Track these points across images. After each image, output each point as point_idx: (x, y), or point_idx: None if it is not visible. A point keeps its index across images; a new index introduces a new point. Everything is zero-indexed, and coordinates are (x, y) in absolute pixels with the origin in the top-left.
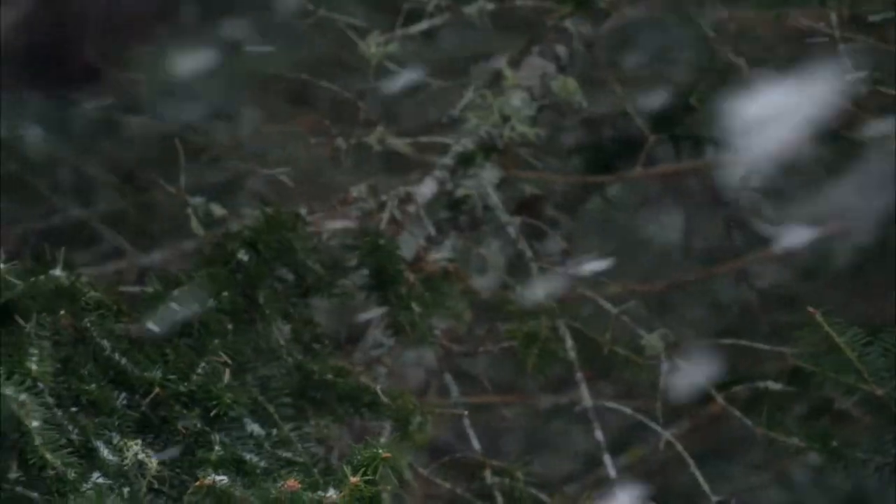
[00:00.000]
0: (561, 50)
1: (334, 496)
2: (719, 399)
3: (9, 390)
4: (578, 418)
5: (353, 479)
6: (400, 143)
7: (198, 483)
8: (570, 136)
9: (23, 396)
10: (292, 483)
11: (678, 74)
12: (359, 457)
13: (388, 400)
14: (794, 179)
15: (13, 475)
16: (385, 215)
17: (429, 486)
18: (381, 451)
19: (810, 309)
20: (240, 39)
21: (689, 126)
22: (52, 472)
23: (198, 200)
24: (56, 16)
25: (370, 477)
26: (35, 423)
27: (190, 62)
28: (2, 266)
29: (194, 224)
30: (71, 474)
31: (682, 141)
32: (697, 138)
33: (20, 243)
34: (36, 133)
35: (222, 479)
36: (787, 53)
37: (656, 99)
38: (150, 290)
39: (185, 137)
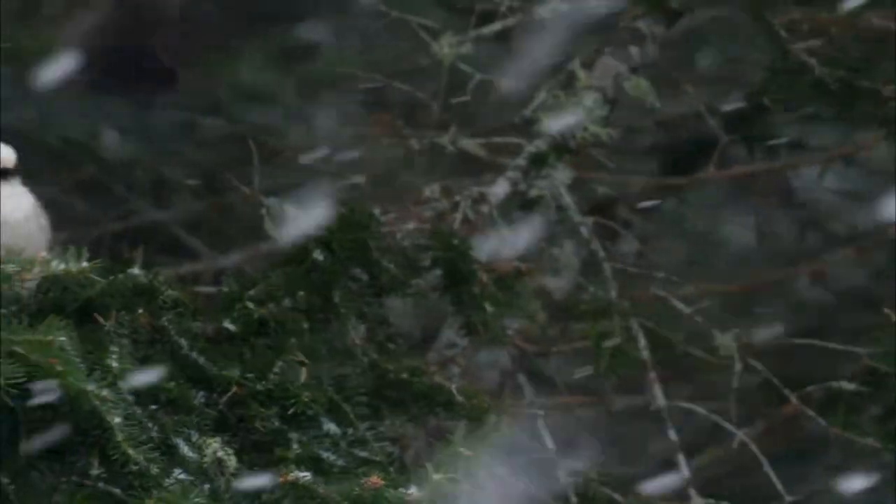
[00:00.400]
0: (634, 51)
1: (416, 493)
2: (794, 400)
3: (91, 386)
4: (652, 418)
5: (436, 476)
6: (473, 144)
7: (281, 479)
8: (643, 136)
9: (105, 392)
10: (375, 480)
11: (751, 75)
12: (440, 454)
13: (463, 399)
14: (870, 179)
15: (95, 471)
16: (458, 216)
17: (504, 486)
18: (462, 449)
19: (887, 310)
20: (315, 41)
21: (762, 127)
22: (134, 468)
23: (272, 201)
24: (134, 20)
25: (451, 475)
26: (117, 420)
27: (266, 65)
28: (84, 264)
29: (269, 225)
30: (154, 470)
31: (756, 142)
32: (771, 139)
33: (97, 245)
34: (113, 135)
35: (305, 475)
36: (860, 54)
37: (729, 99)
38: (226, 289)
39: (261, 139)
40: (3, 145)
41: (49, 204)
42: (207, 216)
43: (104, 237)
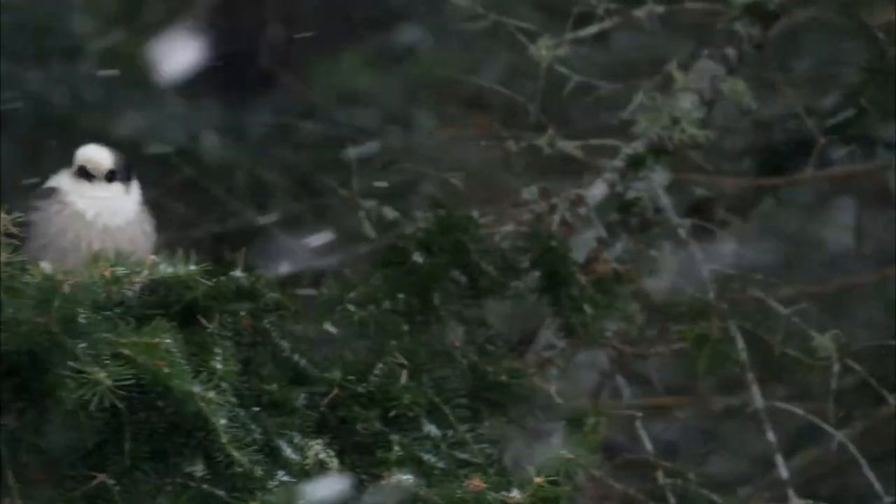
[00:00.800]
0: (730, 52)
1: (518, 496)
2: (892, 401)
3: (197, 388)
4: (750, 419)
5: (537, 480)
6: (570, 146)
7: (383, 481)
8: (740, 138)
9: (210, 394)
10: (477, 483)
11: (848, 76)
12: (542, 458)
13: (562, 401)
14: None
15: (199, 472)
16: (556, 218)
17: (602, 487)
18: (564, 452)
19: None
20: (414, 44)
21: (860, 127)
22: (238, 470)
23: (370, 204)
24: (232, 24)
25: (553, 478)
26: (222, 421)
27: (364, 67)
28: (192, 268)
29: (367, 227)
30: (258, 472)
31: (853, 142)
32: (869, 139)
33: (196, 247)
34: (213, 139)
35: (407, 477)
36: None
37: (826, 100)
38: (327, 292)
39: (359, 142)
40: (100, 148)
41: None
42: (306, 218)
43: (204, 239)
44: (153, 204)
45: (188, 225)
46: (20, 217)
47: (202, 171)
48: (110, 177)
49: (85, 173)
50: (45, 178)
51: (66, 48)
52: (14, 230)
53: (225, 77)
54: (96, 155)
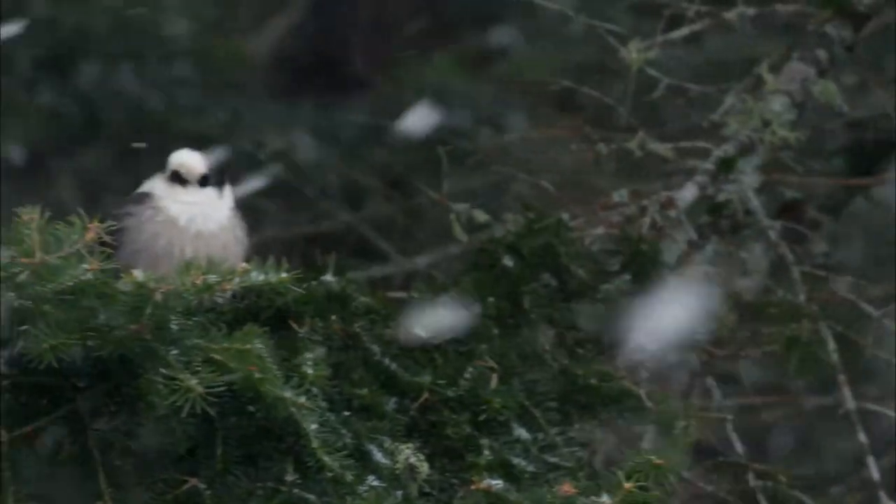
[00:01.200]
0: (821, 54)
1: (608, 501)
2: None
3: (288, 393)
4: (842, 421)
5: (627, 486)
6: (661, 148)
7: (473, 486)
8: (831, 139)
9: (301, 399)
10: (567, 488)
11: None
12: (631, 462)
13: (652, 404)
14: None
15: (290, 477)
16: (646, 220)
17: (693, 489)
18: (653, 457)
19: None
20: (506, 45)
21: None
22: (329, 475)
23: (461, 207)
24: (325, 25)
25: (643, 483)
26: (313, 426)
27: (456, 69)
28: (283, 275)
29: (457, 230)
30: (348, 477)
31: None
32: None
33: (289, 248)
34: (305, 140)
35: (497, 482)
36: None
37: None
38: (417, 295)
39: (451, 143)
40: (193, 153)
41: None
42: (398, 219)
43: (296, 240)
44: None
45: (280, 226)
46: (113, 225)
47: (295, 171)
48: (203, 181)
49: (178, 178)
50: (139, 182)
51: (160, 50)
52: (107, 238)
53: (318, 78)
54: (190, 160)
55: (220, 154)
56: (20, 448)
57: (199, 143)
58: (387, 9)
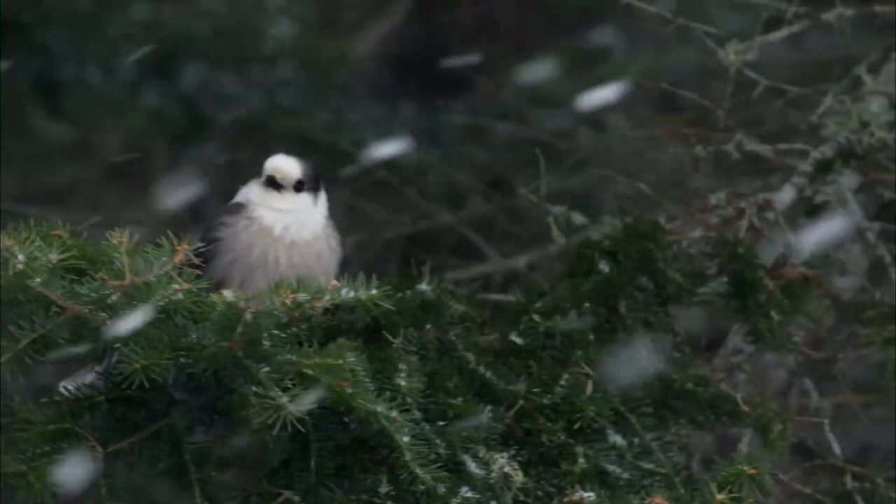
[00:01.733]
0: None
1: None
2: None
3: (380, 407)
4: None
5: (719, 497)
6: (759, 150)
7: (566, 499)
8: None
9: (393, 413)
10: (659, 500)
11: None
12: (724, 473)
13: (749, 408)
14: None
15: (384, 489)
16: (744, 223)
17: (790, 490)
18: (745, 467)
19: None
20: (608, 46)
21: None
22: (422, 487)
23: (559, 209)
24: (427, 26)
25: (735, 494)
26: (405, 439)
27: (556, 69)
28: (374, 292)
29: (555, 233)
30: (441, 489)
31: None
32: None
33: (388, 247)
34: (407, 140)
35: (590, 495)
36: None
37: None
38: (514, 300)
39: (550, 144)
40: (289, 158)
41: (342, 207)
42: (498, 219)
43: (396, 241)
44: (344, 205)
45: (381, 226)
46: (201, 247)
47: (395, 171)
48: (298, 187)
49: (273, 183)
50: (243, 183)
51: (263, 53)
52: (195, 260)
53: (420, 78)
54: (285, 165)
55: (314, 160)
56: (117, 463)
57: (301, 145)
58: (489, 9)
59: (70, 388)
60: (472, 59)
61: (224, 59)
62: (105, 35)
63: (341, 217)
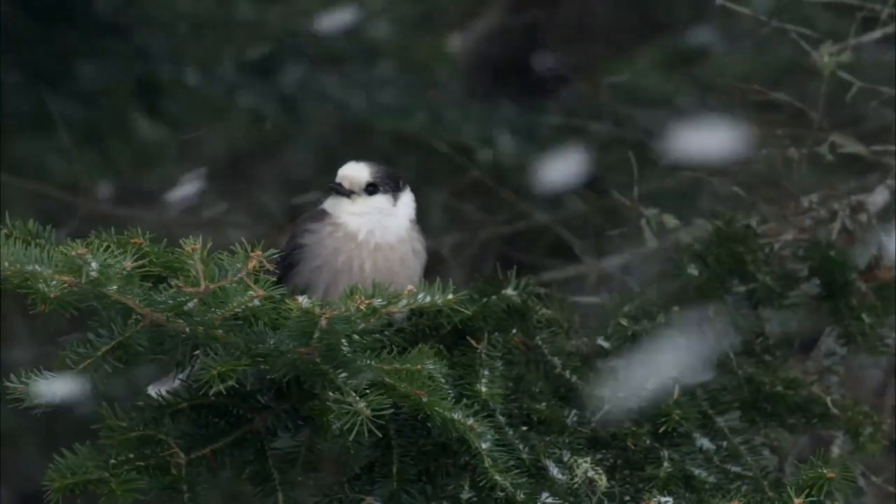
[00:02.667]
0: None
1: None
2: None
3: (458, 415)
4: None
5: (797, 501)
6: (853, 151)
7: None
8: None
9: (471, 420)
10: None
11: None
12: (804, 477)
13: (839, 411)
14: None
15: (465, 495)
16: (837, 224)
17: (883, 493)
18: (825, 471)
19: None
20: (706, 46)
21: None
22: (501, 494)
23: (651, 212)
24: (525, 26)
25: (815, 498)
26: (485, 446)
27: (655, 68)
28: (450, 296)
29: (647, 235)
30: (520, 496)
31: None
32: None
33: (484, 248)
34: (505, 139)
35: (667, 500)
36: None
37: None
38: (603, 303)
39: (645, 145)
40: (358, 163)
41: (438, 208)
42: (593, 219)
43: (492, 240)
44: (440, 205)
45: (478, 227)
46: (275, 253)
47: (491, 171)
48: (371, 190)
49: (342, 189)
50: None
51: (362, 52)
52: (269, 266)
53: (518, 77)
54: (351, 171)
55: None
56: (199, 469)
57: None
58: (586, 9)
59: (157, 392)
60: (569, 58)
61: (323, 58)
62: (205, 37)
63: (438, 218)
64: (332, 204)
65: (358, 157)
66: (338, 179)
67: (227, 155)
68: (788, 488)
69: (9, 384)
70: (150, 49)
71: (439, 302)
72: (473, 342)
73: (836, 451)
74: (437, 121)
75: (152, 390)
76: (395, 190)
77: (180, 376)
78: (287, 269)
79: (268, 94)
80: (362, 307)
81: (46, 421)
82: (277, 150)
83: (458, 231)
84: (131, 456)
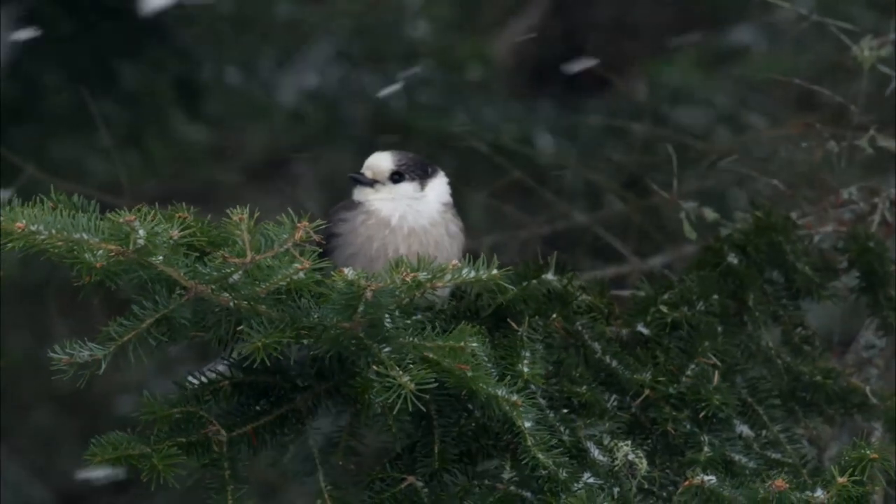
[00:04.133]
0: None
1: (822, 496)
2: None
3: (501, 391)
4: None
5: (841, 480)
6: (892, 145)
7: (686, 482)
8: None
9: (515, 397)
10: (780, 483)
11: None
12: (847, 458)
13: (878, 401)
14: None
15: (507, 475)
16: (876, 217)
17: None
18: (869, 451)
19: None
20: (746, 44)
21: None
22: (543, 472)
23: (690, 205)
24: (563, 25)
25: (858, 477)
26: (528, 424)
27: (695, 67)
28: (494, 272)
29: (687, 229)
30: (562, 474)
31: None
32: None
33: (524, 248)
34: (545, 140)
35: (710, 479)
36: None
37: None
38: (640, 293)
39: (685, 142)
40: (381, 153)
41: (478, 207)
42: (633, 219)
43: (532, 240)
44: (480, 205)
45: (518, 227)
46: (321, 224)
47: (532, 171)
48: (396, 178)
49: (364, 179)
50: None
51: (402, 52)
52: (316, 237)
53: (558, 77)
54: (374, 160)
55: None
56: (240, 447)
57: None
58: (626, 8)
59: (198, 373)
60: (610, 57)
61: (363, 58)
62: (244, 36)
63: (478, 218)
64: (358, 194)
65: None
66: (362, 170)
67: (268, 154)
68: (832, 467)
69: (53, 355)
70: (190, 48)
71: (484, 277)
72: (514, 325)
73: (874, 441)
74: (476, 121)
75: (191, 378)
76: (422, 177)
77: (223, 355)
78: (321, 258)
79: (308, 94)
80: (407, 279)
81: (88, 418)
82: (317, 150)
83: (497, 231)
84: (173, 433)
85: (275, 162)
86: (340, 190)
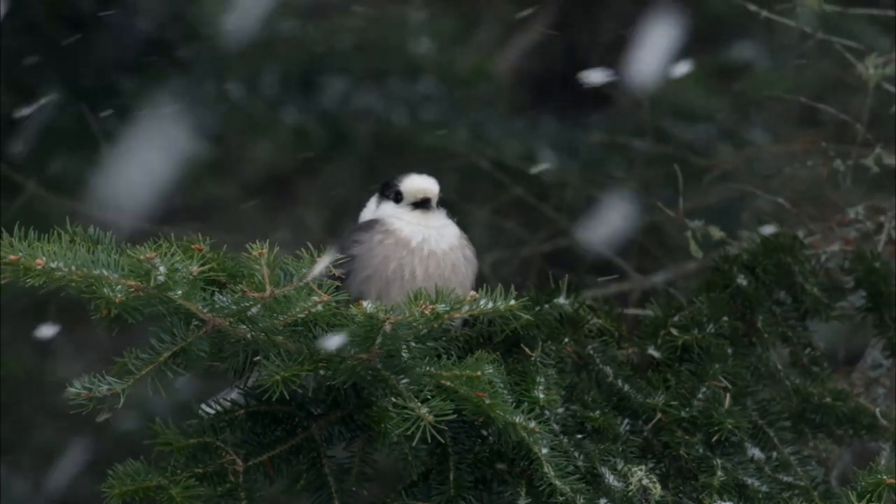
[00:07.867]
0: None
1: None
2: None
3: (518, 418)
4: None
5: None
6: None
7: None
8: None
9: (532, 424)
10: None
11: None
12: (863, 483)
13: (888, 422)
14: None
15: (522, 501)
16: (882, 236)
17: None
18: (885, 476)
19: None
20: (749, 60)
21: None
22: (560, 499)
23: (697, 223)
24: (566, 41)
25: (874, 503)
26: (544, 451)
27: (694, 84)
28: (512, 302)
29: (693, 247)
30: (580, 501)
31: None
32: None
33: (526, 265)
34: (547, 155)
35: None
36: None
37: None
38: (651, 314)
39: (689, 159)
40: (427, 177)
41: (479, 224)
42: (635, 236)
43: (533, 258)
44: (482, 222)
45: (519, 244)
46: (341, 259)
47: (533, 188)
48: (439, 203)
49: (423, 203)
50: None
51: (404, 68)
52: (335, 272)
53: (560, 93)
54: (429, 185)
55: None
56: (256, 476)
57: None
58: (628, 25)
59: (209, 408)
60: (611, 73)
61: (365, 74)
62: (246, 52)
63: (480, 235)
64: (389, 212)
65: (418, 171)
66: (422, 195)
67: (270, 171)
68: (850, 493)
69: (72, 389)
70: (193, 64)
71: (502, 307)
72: (527, 350)
73: (882, 462)
74: (478, 137)
75: (205, 407)
76: (445, 203)
77: (237, 384)
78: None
79: (310, 110)
80: (426, 312)
81: (92, 435)
82: (319, 166)
83: (499, 248)
84: (189, 463)
85: (276, 178)
86: (342, 206)
